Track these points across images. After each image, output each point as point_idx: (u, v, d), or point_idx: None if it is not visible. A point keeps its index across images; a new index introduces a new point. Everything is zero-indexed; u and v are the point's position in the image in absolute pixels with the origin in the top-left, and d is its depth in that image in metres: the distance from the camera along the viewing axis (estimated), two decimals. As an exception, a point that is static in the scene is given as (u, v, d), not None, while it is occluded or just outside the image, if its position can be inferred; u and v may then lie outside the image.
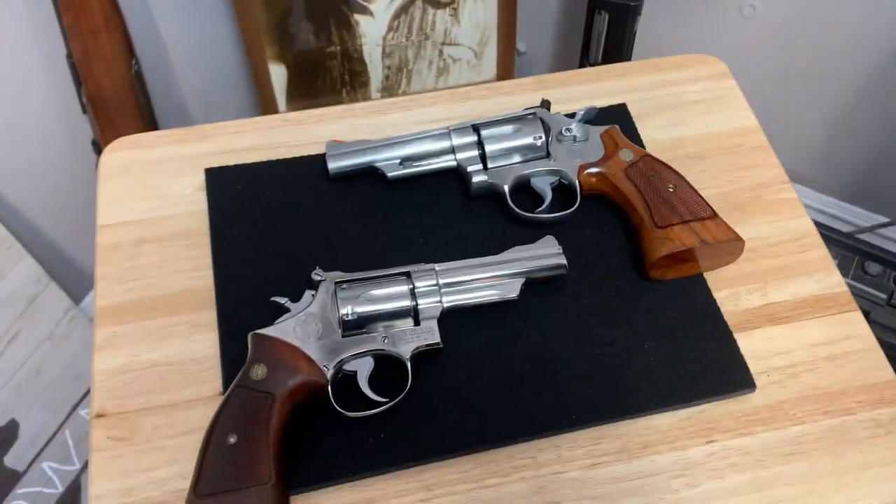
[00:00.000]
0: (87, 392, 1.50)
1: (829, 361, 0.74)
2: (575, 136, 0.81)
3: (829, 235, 1.50)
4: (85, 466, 1.53)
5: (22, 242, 1.30)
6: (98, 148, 1.34)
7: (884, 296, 1.49)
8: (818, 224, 1.48)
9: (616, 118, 0.88)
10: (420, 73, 1.48)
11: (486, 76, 1.51)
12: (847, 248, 1.51)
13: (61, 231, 1.44)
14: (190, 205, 0.83)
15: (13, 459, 1.39)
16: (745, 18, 1.48)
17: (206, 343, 0.74)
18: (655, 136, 0.89)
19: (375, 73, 1.46)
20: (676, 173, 0.78)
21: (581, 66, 1.44)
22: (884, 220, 1.70)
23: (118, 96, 1.26)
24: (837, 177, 1.69)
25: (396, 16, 1.40)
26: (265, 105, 1.45)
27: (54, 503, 1.49)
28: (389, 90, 1.50)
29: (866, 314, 1.48)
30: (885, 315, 1.49)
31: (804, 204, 0.85)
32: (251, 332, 0.69)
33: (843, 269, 1.49)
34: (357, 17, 1.38)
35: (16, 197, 1.31)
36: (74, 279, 1.49)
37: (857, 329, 0.76)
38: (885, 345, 1.46)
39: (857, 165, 1.66)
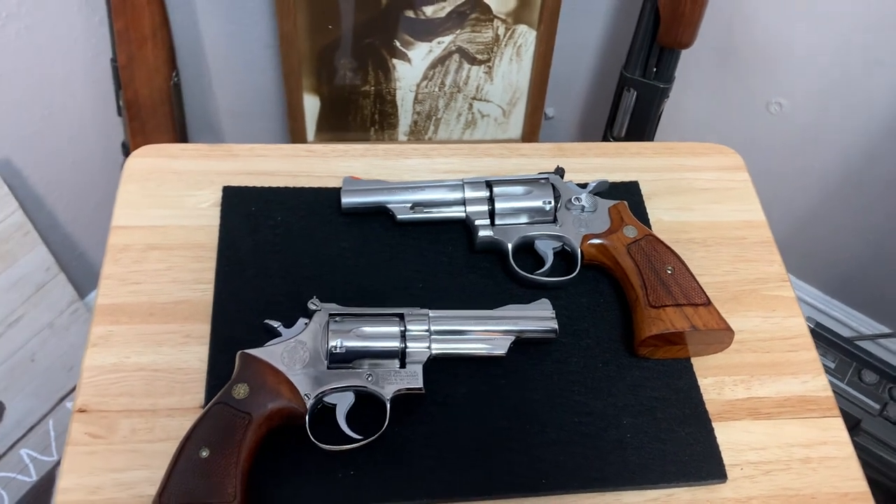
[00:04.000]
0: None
1: (803, 464, 0.74)
2: (583, 206, 0.82)
3: (830, 338, 1.50)
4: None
5: (38, 230, 1.32)
6: (127, 150, 1.37)
7: (877, 406, 1.47)
8: (821, 326, 1.49)
9: (627, 195, 0.89)
10: (448, 123, 1.51)
11: (512, 135, 1.54)
12: (846, 353, 1.50)
13: (78, 225, 1.46)
14: (203, 219, 0.85)
15: (-7, 441, 1.39)
16: (771, 115, 1.50)
17: (195, 355, 0.75)
18: (663, 216, 0.90)
19: (405, 116, 1.50)
20: (677, 256, 0.79)
21: (605, 138, 1.47)
22: (886, 330, 1.70)
23: (154, 104, 1.29)
24: (846, 281, 1.70)
25: (433, 66, 1.43)
26: (294, 134, 1.48)
27: (25, 492, 1.49)
28: (416, 135, 1.53)
29: (857, 422, 1.46)
30: (876, 425, 1.47)
31: (810, 304, 0.86)
32: (240, 351, 0.70)
33: (840, 374, 1.48)
34: (395, 61, 1.42)
35: (40, 184, 1.34)
36: (83, 274, 1.50)
37: (836, 435, 0.76)
38: (872, 456, 1.44)
39: (866, 273, 1.67)
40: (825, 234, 1.62)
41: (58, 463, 1.52)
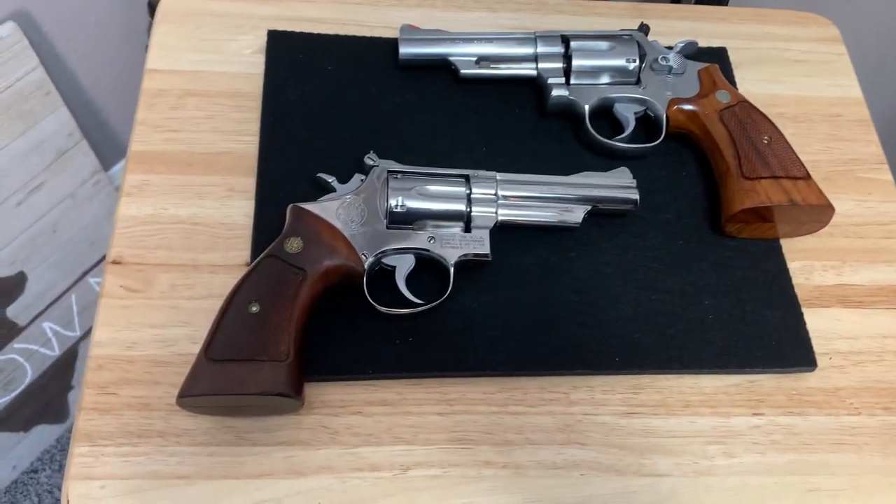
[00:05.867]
0: (100, 260, 1.46)
1: (898, 356, 0.68)
2: (671, 67, 0.74)
3: None
4: (84, 336, 1.50)
5: (61, 92, 1.25)
6: (153, 10, 1.27)
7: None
8: None
9: (713, 61, 0.80)
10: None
11: None
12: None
13: (101, 91, 1.38)
14: (245, 66, 0.78)
15: (15, 312, 1.36)
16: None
17: (239, 210, 0.69)
18: (751, 88, 0.82)
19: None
20: (774, 126, 0.72)
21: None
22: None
23: (183, -43, 1.19)
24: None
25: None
26: None
27: (48, 366, 1.47)
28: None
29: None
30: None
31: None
32: (291, 204, 0.64)
33: None
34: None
35: (61, 42, 1.25)
36: (107, 144, 1.43)
37: (933, 329, 0.70)
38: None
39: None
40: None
41: (80, 338, 1.50)
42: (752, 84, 0.82)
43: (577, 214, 0.68)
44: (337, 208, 0.64)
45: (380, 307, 0.63)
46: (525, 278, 0.68)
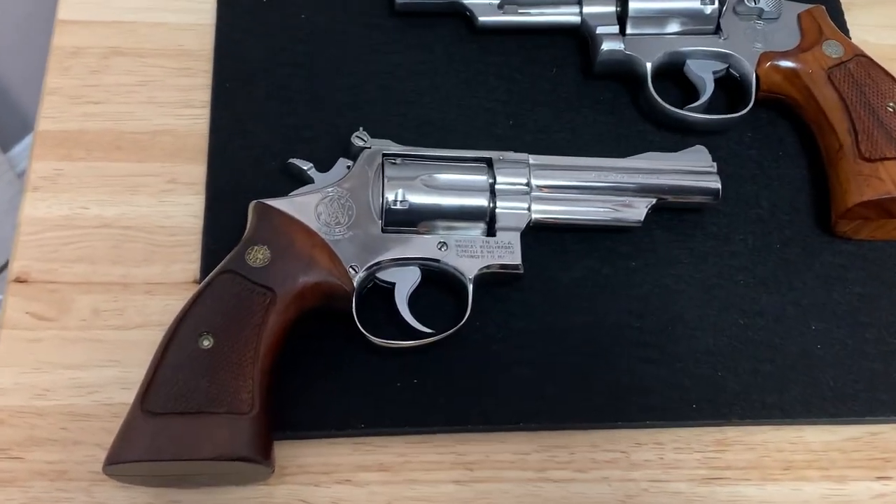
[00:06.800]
0: None
1: None
2: (762, 10, 0.76)
3: None
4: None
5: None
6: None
7: None
8: None
9: (818, 2, 0.80)
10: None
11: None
12: None
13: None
14: (191, 14, 0.80)
15: None
16: None
17: (185, 208, 0.71)
18: (869, 38, 0.83)
19: None
20: (903, 88, 0.72)
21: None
22: None
23: None
24: None
25: None
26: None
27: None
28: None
29: None
30: None
31: None
32: (255, 201, 0.64)
33: None
34: None
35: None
36: (5, 117, 1.44)
37: None
38: None
39: None
40: None
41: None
42: (868, 32, 0.83)
43: (637, 210, 0.68)
44: (316, 205, 0.64)
45: (374, 339, 0.62)
46: (568, 297, 0.68)
